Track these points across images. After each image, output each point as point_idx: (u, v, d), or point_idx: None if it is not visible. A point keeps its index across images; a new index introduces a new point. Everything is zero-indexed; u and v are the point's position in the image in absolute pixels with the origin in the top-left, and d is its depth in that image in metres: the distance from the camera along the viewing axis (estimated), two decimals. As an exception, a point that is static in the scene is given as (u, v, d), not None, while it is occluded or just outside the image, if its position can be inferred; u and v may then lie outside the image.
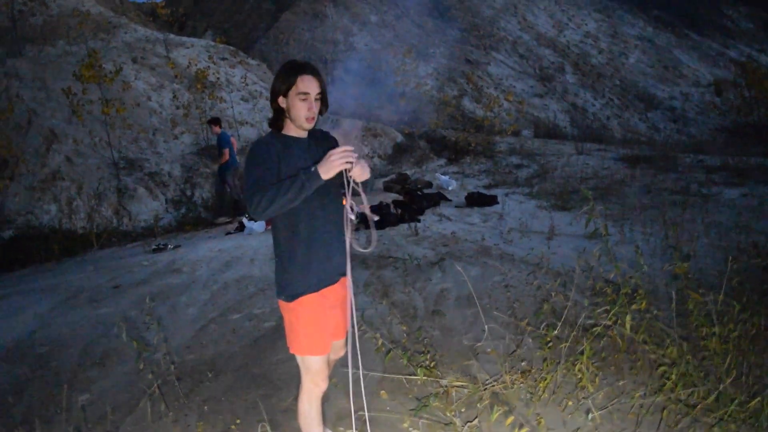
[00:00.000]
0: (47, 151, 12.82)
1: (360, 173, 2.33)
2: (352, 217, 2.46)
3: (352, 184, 2.39)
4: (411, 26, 32.38)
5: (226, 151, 10.66)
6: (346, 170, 2.29)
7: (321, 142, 2.59)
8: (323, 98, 2.46)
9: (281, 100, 2.43)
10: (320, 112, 2.47)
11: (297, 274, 2.46)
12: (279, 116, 2.48)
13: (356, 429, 2.93)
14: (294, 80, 2.38)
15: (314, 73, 2.42)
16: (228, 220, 11.06)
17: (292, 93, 2.39)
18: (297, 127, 2.47)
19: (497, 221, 8.89)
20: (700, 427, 2.95)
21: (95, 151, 13.74)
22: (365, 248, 2.52)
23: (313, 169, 2.22)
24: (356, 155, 2.27)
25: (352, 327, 2.53)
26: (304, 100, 2.38)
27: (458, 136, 18.84)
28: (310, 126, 2.45)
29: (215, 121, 10.94)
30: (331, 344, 2.62)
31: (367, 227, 2.60)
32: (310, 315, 2.47)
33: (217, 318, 5.34)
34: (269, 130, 2.55)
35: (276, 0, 34.15)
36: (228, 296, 5.98)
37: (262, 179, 2.27)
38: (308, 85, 2.38)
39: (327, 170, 2.20)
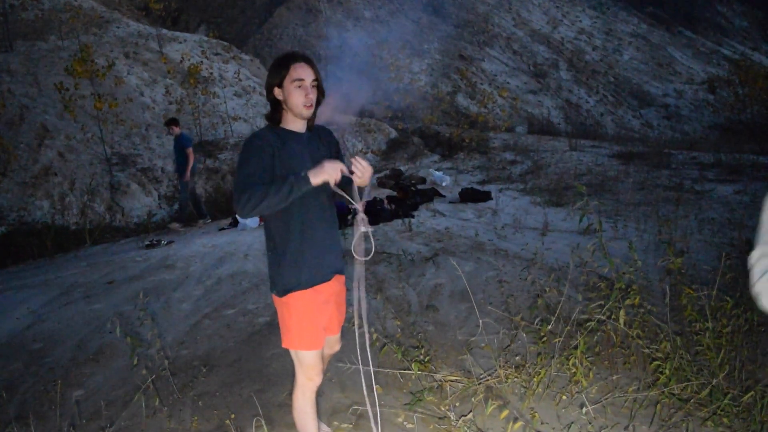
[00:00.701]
0: (39, 147, 12.74)
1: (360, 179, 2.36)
2: (362, 224, 2.45)
3: (355, 188, 2.41)
4: (405, 22, 32.35)
5: (190, 150, 10.02)
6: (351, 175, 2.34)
7: (322, 136, 2.57)
8: (319, 86, 2.43)
9: (277, 92, 2.40)
10: (318, 101, 2.45)
11: (289, 270, 2.43)
12: (276, 108, 2.45)
13: (352, 423, 2.94)
14: (287, 69, 2.36)
15: (307, 60, 2.40)
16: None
17: (286, 82, 2.36)
18: (296, 116, 2.43)
19: (491, 217, 8.90)
20: (694, 421, 2.97)
21: (87, 146, 13.66)
22: (365, 256, 2.48)
23: (303, 173, 2.22)
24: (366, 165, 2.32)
25: (361, 325, 2.52)
26: (299, 87, 2.35)
27: (452, 132, 18.88)
28: (308, 114, 2.41)
29: (174, 121, 10.24)
30: (325, 339, 2.61)
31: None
32: (302, 309, 2.45)
33: (211, 313, 5.33)
34: (263, 125, 2.53)
35: (270, -5, 34.03)
36: (222, 292, 5.97)
37: (252, 176, 2.26)
38: (302, 71, 2.36)
39: (316, 175, 2.22)
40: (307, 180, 2.21)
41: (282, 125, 2.47)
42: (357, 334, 2.51)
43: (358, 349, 2.46)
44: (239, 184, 2.25)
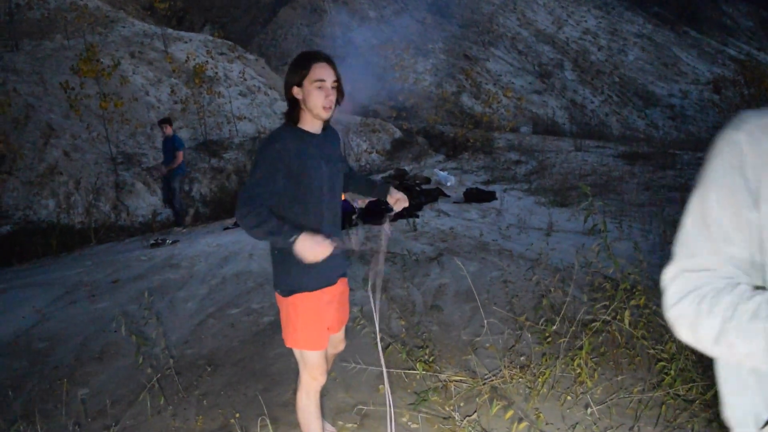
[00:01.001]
0: (45, 146, 12.79)
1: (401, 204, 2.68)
2: (388, 232, 2.56)
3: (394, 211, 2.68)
4: (410, 22, 32.33)
5: (181, 153, 9.72)
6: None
7: (333, 138, 2.57)
8: (339, 87, 2.39)
9: (296, 91, 2.36)
10: (337, 101, 2.41)
11: (297, 272, 2.41)
12: (294, 108, 2.41)
13: (356, 423, 2.94)
14: (308, 69, 2.32)
15: (328, 60, 2.36)
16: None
17: (306, 82, 2.32)
18: (314, 117, 2.39)
19: (495, 217, 8.90)
20: (699, 422, 2.96)
21: (93, 145, 13.71)
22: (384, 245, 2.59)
23: (293, 238, 2.18)
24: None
25: (372, 327, 2.54)
26: (320, 87, 2.31)
27: (457, 132, 18.88)
28: (327, 115, 2.38)
29: (168, 121, 9.98)
30: (330, 338, 2.61)
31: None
32: (309, 310, 2.44)
33: (215, 313, 5.34)
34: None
35: (274, -5, 34.07)
36: (226, 291, 5.98)
37: (261, 185, 2.24)
38: (323, 72, 2.32)
39: (302, 246, 2.18)
40: (292, 244, 2.18)
41: (299, 125, 2.43)
42: (378, 343, 2.52)
43: (380, 352, 2.47)
44: (246, 190, 2.25)
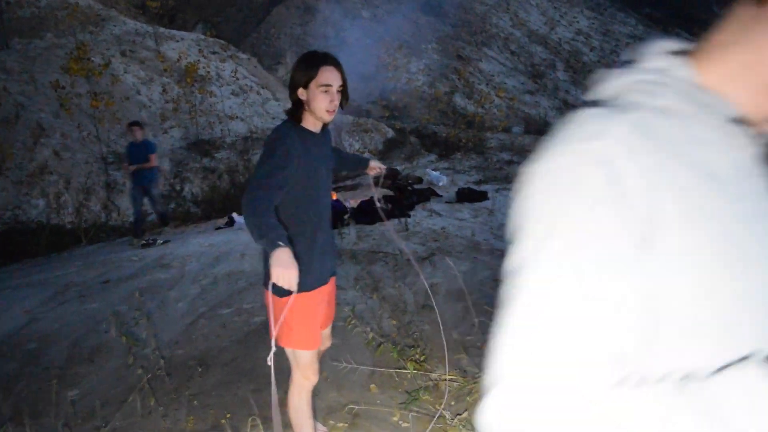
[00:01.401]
0: (35, 145, 12.72)
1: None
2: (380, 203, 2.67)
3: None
4: (403, 22, 32.35)
5: (154, 156, 8.94)
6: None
7: (326, 135, 2.58)
8: (344, 90, 2.39)
9: (301, 92, 2.34)
10: (341, 105, 2.41)
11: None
12: (298, 108, 2.40)
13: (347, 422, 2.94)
14: (315, 72, 2.29)
15: (336, 64, 2.34)
16: (145, 241, 9.00)
17: (313, 85, 2.30)
18: (316, 119, 2.39)
19: (487, 217, 8.92)
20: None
21: (83, 145, 13.64)
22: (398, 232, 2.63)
23: (279, 244, 2.05)
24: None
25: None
26: (325, 92, 2.30)
27: (449, 131, 18.93)
28: (330, 118, 2.38)
29: (138, 123, 9.07)
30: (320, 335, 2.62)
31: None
32: (304, 310, 2.45)
33: (206, 313, 5.32)
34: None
35: (267, -6, 34.01)
36: (218, 291, 5.96)
37: (269, 177, 2.21)
38: (330, 76, 2.30)
39: (277, 260, 2.04)
40: (272, 249, 2.06)
41: (302, 124, 2.43)
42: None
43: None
44: (256, 180, 2.22)
